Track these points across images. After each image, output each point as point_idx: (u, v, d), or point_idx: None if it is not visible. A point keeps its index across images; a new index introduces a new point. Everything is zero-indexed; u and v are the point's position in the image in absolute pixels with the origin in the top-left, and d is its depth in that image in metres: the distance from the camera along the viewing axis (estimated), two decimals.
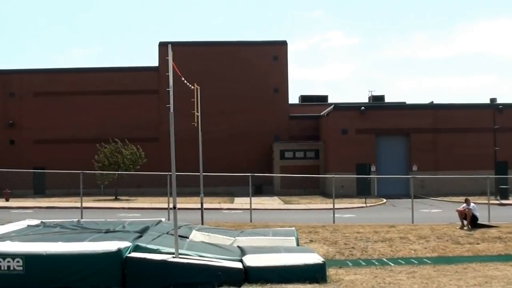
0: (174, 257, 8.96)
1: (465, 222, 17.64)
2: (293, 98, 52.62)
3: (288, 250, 10.51)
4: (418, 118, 39.24)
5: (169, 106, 9.55)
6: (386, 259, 11.86)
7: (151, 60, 68.44)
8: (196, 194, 21.91)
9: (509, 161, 37.63)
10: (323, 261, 9.40)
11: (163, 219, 14.12)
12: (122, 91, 43.53)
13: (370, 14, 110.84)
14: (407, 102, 45.89)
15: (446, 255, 12.37)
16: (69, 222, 12.54)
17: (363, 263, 11.28)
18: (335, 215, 20.60)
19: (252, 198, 22.32)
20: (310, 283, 8.82)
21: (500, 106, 37.86)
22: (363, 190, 33.78)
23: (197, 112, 15.04)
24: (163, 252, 9.15)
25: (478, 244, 14.00)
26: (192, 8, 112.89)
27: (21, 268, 8.50)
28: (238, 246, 10.87)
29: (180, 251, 9.11)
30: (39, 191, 40.70)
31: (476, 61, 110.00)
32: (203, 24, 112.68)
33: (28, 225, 12.21)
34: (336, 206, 21.91)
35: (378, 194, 36.68)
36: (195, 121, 14.88)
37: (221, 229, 14.21)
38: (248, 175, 21.88)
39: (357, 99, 59.75)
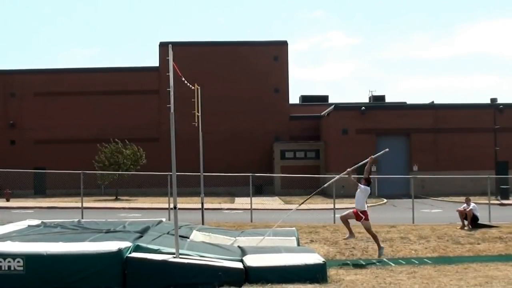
0: (174, 257, 8.95)
1: (466, 222, 17.63)
2: (294, 98, 52.66)
3: (288, 250, 10.50)
4: (418, 118, 39.26)
5: (170, 106, 9.55)
6: (387, 259, 11.85)
7: (152, 60, 68.65)
8: (197, 194, 21.91)
9: (509, 161, 37.64)
10: (323, 261, 9.39)
11: (163, 219, 14.12)
12: (122, 91, 43.56)
13: (370, 14, 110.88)
14: (408, 102, 45.95)
15: (447, 255, 12.36)
16: (70, 222, 12.54)
17: (364, 263, 11.27)
18: (336, 215, 20.58)
19: (253, 198, 22.33)
20: (310, 283, 8.81)
21: (501, 106, 37.84)
22: None
23: (198, 112, 15.02)
24: (164, 252, 9.14)
25: (478, 244, 13.99)
26: (193, 8, 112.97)
27: (21, 268, 8.49)
28: (239, 246, 10.86)
29: (181, 251, 9.11)
30: (40, 191, 40.74)
31: (476, 61, 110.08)
32: (204, 24, 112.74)
33: (29, 225, 12.21)
34: (337, 206, 21.93)
35: (378, 194, 36.66)
36: (196, 121, 14.87)
37: (222, 229, 14.21)
38: (249, 175, 21.88)
39: (357, 99, 59.81)
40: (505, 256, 12.10)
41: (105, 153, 36.26)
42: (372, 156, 12.55)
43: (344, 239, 12.75)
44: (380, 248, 12.23)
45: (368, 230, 12.26)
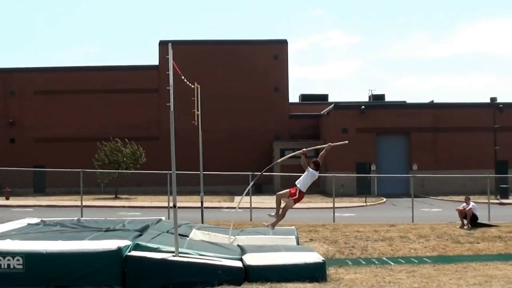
0: (174, 256, 8.95)
1: (465, 221, 17.64)
2: (294, 97, 52.69)
3: (288, 249, 10.49)
4: (418, 117, 39.26)
5: (169, 105, 9.55)
6: (386, 258, 11.86)
7: (152, 58, 68.64)
8: (196, 193, 21.91)
9: (509, 161, 37.65)
10: (323, 260, 9.39)
11: (163, 218, 14.11)
12: (122, 89, 43.56)
13: (370, 13, 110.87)
14: (407, 101, 45.94)
15: (446, 254, 12.36)
16: (69, 221, 12.52)
17: (363, 262, 11.27)
18: (335, 214, 20.63)
19: (252, 197, 22.35)
20: (310, 282, 8.81)
21: (500, 105, 37.84)
22: (363, 189, 33.80)
23: (198, 111, 15.01)
24: (163, 251, 9.13)
25: (478, 243, 13.99)
26: (193, 7, 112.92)
27: (21, 266, 8.49)
28: (238, 245, 10.86)
29: (180, 249, 9.11)
30: (39, 189, 40.73)
31: (476, 60, 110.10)
32: (204, 23, 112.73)
33: (28, 224, 12.19)
34: (336, 205, 21.94)
35: (378, 193, 36.70)
36: (196, 120, 14.86)
37: (221, 228, 14.20)
38: (248, 174, 21.88)
39: (357, 98, 59.85)
40: (505, 255, 12.10)
41: (104, 152, 36.26)
42: (331, 144, 12.28)
43: (269, 214, 12.22)
44: (274, 224, 11.91)
45: (285, 208, 11.80)
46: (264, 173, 13.35)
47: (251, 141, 43.61)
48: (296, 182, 11.72)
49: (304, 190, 11.65)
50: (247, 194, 12.33)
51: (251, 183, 12.31)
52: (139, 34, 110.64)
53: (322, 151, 12.06)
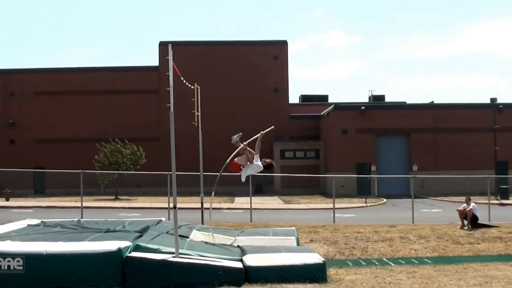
0: (174, 257, 8.95)
1: (466, 222, 17.64)
2: (294, 98, 52.63)
3: (288, 250, 10.49)
4: (418, 118, 39.27)
5: (169, 106, 9.55)
6: (386, 259, 11.85)
7: (151, 59, 68.65)
8: (196, 193, 21.92)
9: (509, 161, 37.66)
10: (323, 261, 9.39)
11: (163, 219, 14.12)
12: (122, 90, 43.55)
13: (370, 14, 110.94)
14: (407, 102, 45.93)
15: (447, 255, 12.36)
16: (69, 222, 12.54)
17: (363, 263, 11.27)
18: (335, 215, 20.61)
19: (252, 198, 22.35)
20: (310, 282, 8.81)
21: (500, 106, 37.85)
22: (363, 190, 33.79)
23: (198, 111, 15.03)
24: (163, 252, 9.14)
25: (478, 244, 13.99)
26: (192, 8, 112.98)
27: (21, 267, 8.49)
28: (238, 246, 10.87)
29: (180, 250, 9.11)
30: (40, 190, 40.73)
31: (476, 61, 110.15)
32: (204, 24, 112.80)
33: (28, 225, 12.20)
34: (336, 206, 21.92)
35: (378, 194, 36.68)
36: (196, 120, 14.88)
37: (222, 229, 14.21)
38: (248, 175, 21.85)
39: (357, 99, 59.87)
40: (505, 256, 12.10)
41: (104, 153, 36.25)
42: (262, 132, 12.01)
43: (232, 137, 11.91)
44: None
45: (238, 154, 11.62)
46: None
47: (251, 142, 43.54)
48: (242, 167, 11.51)
49: (242, 177, 11.54)
50: (213, 195, 12.19)
51: (215, 184, 12.28)
52: (139, 35, 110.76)
53: (257, 142, 11.76)
